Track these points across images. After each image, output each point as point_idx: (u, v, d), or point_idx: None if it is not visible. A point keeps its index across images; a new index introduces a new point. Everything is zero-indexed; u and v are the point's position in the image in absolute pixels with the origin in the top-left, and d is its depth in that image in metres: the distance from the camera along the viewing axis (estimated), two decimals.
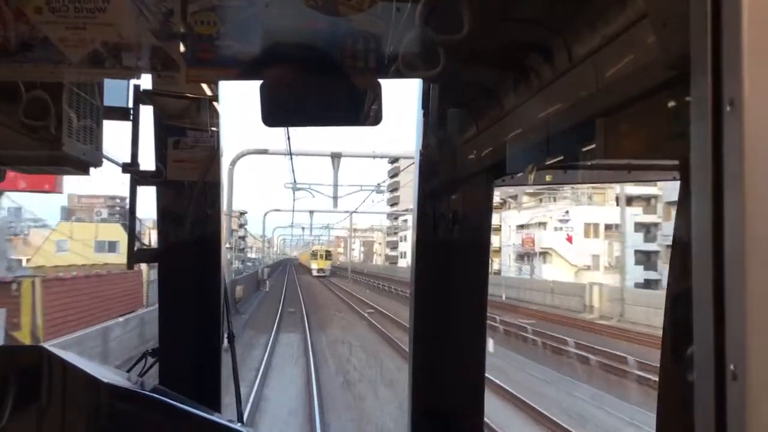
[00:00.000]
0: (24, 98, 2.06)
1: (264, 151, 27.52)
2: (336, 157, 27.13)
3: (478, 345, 2.72)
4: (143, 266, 17.68)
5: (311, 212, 58.94)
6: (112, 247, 37.22)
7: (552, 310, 33.99)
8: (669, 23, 1.04)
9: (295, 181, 34.74)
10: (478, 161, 2.46)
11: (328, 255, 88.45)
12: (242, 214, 68.29)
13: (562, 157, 1.81)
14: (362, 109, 1.92)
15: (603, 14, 1.43)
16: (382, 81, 1.86)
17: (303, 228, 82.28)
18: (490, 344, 14.87)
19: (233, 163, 27.90)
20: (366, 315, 33.01)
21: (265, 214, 64.08)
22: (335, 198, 31.58)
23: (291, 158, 27.31)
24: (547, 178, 2.29)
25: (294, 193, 36.30)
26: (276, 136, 34.62)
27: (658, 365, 1.31)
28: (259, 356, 19.84)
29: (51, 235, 37.21)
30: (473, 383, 2.71)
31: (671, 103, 1.21)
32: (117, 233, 36.44)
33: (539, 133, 1.83)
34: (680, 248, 1.23)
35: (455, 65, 1.82)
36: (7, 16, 1.73)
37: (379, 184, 38.02)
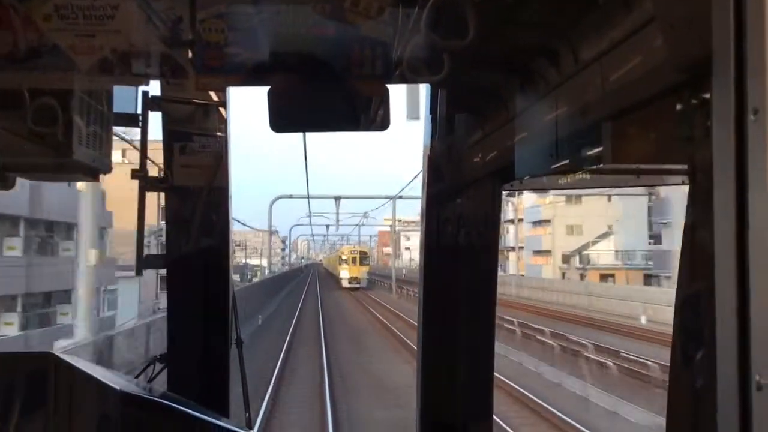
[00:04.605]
0: (32, 105, 2.06)
1: (290, 196, 49.52)
2: (337, 198, 48.91)
3: (487, 351, 2.70)
4: None
5: (327, 226, 71.93)
6: None
7: None
8: (677, 25, 1.03)
9: (310, 212, 60.70)
10: (486, 166, 2.46)
11: (363, 258, 62.91)
12: None
13: (570, 162, 1.80)
14: (369, 115, 1.92)
15: (609, 18, 1.42)
16: (388, 86, 1.86)
17: (324, 235, 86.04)
18: None
19: (271, 205, 50.69)
20: None
21: (291, 228, 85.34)
22: (337, 223, 61.57)
23: (309, 201, 43.52)
24: (559, 181, 2.28)
25: (311, 220, 65.45)
26: (297, 179, 41.47)
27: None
28: None
29: None
30: (482, 390, 2.69)
31: (680, 107, 1.20)
32: None
33: (547, 137, 1.81)
34: (690, 252, 1.21)
35: (461, 70, 1.82)
36: (16, 23, 1.74)
37: (366, 212, 61.58)
